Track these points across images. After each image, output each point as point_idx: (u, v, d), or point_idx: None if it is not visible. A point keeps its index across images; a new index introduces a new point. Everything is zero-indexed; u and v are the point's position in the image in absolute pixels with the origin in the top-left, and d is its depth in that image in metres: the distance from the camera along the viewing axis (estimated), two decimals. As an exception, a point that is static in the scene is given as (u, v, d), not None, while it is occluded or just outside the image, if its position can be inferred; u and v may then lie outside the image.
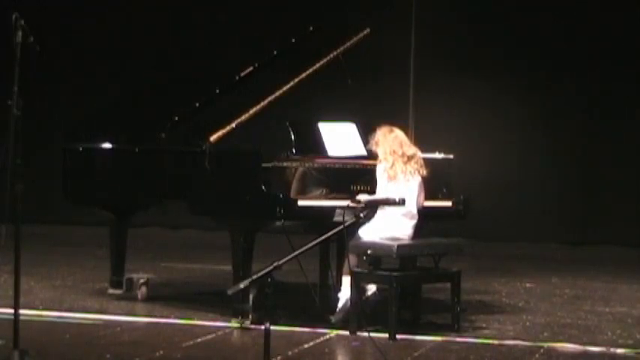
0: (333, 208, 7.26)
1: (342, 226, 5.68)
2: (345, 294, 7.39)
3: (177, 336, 7.03)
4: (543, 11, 13.33)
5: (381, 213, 7.25)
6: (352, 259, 7.26)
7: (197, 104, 8.07)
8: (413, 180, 7.41)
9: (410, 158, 7.41)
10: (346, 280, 7.39)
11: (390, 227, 7.33)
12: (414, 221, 7.43)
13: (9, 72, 5.64)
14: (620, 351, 6.78)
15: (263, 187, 7.23)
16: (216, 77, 8.46)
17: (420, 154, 7.54)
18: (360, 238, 7.31)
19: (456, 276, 7.45)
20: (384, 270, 7.29)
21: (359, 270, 7.32)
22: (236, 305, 7.36)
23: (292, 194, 7.42)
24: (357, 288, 7.25)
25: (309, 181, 7.57)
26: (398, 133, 7.51)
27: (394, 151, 7.40)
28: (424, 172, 7.46)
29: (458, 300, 7.38)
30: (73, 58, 14.34)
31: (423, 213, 7.60)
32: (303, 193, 7.50)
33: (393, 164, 7.38)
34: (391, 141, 7.44)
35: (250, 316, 7.32)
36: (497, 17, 13.44)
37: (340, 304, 7.42)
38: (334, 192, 7.54)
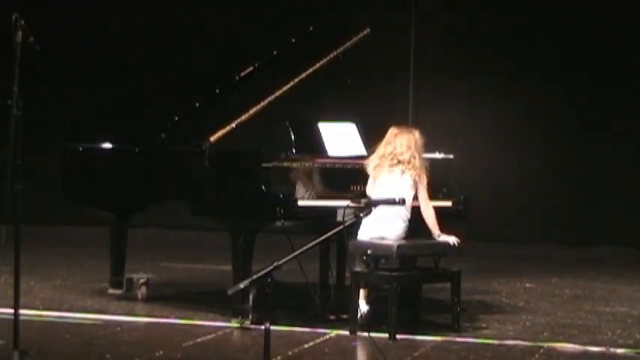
0: (332, 208, 7.26)
1: (341, 226, 5.68)
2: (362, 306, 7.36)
3: (177, 336, 7.03)
4: (544, 11, 13.33)
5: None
6: (359, 265, 7.31)
7: (197, 104, 8.08)
8: (400, 182, 7.36)
9: (400, 162, 7.35)
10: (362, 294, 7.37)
11: (377, 227, 7.30)
12: (399, 220, 7.36)
13: (9, 72, 5.64)
14: (620, 351, 6.78)
15: (263, 187, 7.23)
16: (216, 77, 8.46)
17: (422, 160, 7.46)
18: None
19: (456, 276, 7.45)
20: (384, 270, 7.29)
21: (359, 270, 7.32)
22: (236, 305, 7.36)
23: (302, 193, 7.43)
24: (358, 288, 7.26)
25: (316, 179, 7.61)
26: (407, 136, 7.43)
27: (384, 155, 7.37)
28: (417, 176, 7.37)
29: (458, 300, 7.38)
30: (72, 58, 14.34)
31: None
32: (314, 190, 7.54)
33: (377, 165, 7.38)
34: (393, 142, 7.40)
35: (250, 316, 7.33)
36: (498, 17, 13.43)
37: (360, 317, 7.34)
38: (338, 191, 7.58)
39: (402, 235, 7.35)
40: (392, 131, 7.48)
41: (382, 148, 7.42)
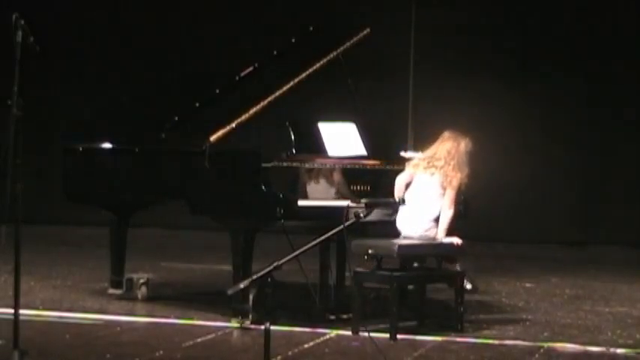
0: (333, 208, 7.26)
1: (341, 226, 5.68)
2: None
3: (177, 336, 7.02)
4: (544, 11, 13.33)
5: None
6: None
7: (197, 104, 8.08)
8: (429, 183, 7.47)
9: (434, 167, 7.50)
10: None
11: (403, 225, 7.49)
12: (425, 220, 7.43)
13: (9, 72, 5.64)
14: (620, 351, 6.78)
15: (263, 187, 7.23)
16: (216, 77, 8.46)
17: (459, 168, 7.52)
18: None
19: (459, 277, 7.44)
20: (384, 270, 7.29)
21: (360, 270, 7.32)
22: (236, 305, 7.36)
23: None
24: (358, 287, 7.26)
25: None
26: (452, 144, 7.57)
27: (424, 158, 7.57)
28: (446, 181, 7.46)
29: (461, 301, 7.38)
30: (73, 58, 14.34)
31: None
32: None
33: (416, 165, 7.59)
34: (437, 146, 7.58)
35: (250, 316, 7.33)
36: (498, 17, 13.44)
37: None
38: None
39: (427, 234, 7.42)
40: (442, 135, 7.68)
41: (428, 151, 7.63)
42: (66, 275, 9.99)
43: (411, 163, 7.67)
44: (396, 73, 12.84)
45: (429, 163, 7.54)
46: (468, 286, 7.48)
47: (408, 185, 7.62)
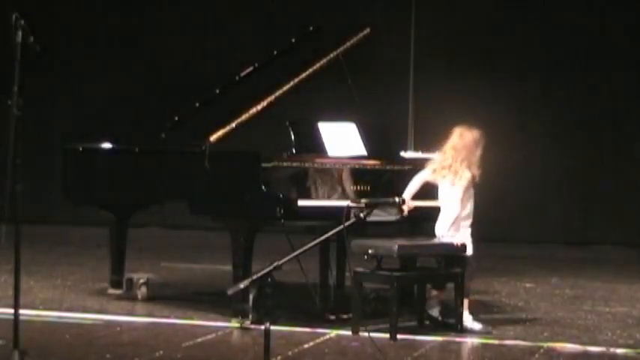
0: (333, 208, 7.26)
1: (341, 226, 5.68)
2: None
3: (177, 336, 7.02)
4: (544, 10, 13.34)
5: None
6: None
7: (197, 104, 8.08)
8: (442, 185, 7.50)
9: (443, 168, 7.52)
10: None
11: (437, 226, 7.52)
12: (449, 220, 7.47)
13: (9, 72, 5.63)
14: (620, 351, 6.78)
15: (263, 187, 7.23)
16: (216, 77, 8.46)
17: (467, 162, 7.54)
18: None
19: (460, 277, 7.45)
20: (384, 270, 7.29)
21: (360, 270, 7.32)
22: (236, 305, 7.36)
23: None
24: (358, 287, 7.26)
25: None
26: (458, 139, 7.58)
27: (438, 159, 7.58)
28: (456, 178, 7.47)
29: (461, 301, 7.38)
30: (73, 58, 14.35)
31: (422, 213, 7.62)
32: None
33: (434, 170, 7.57)
34: (446, 144, 7.57)
35: (250, 316, 7.32)
36: (497, 17, 13.44)
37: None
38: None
39: (445, 236, 7.46)
40: (453, 131, 7.67)
41: (441, 152, 7.61)
42: (66, 275, 9.98)
43: (430, 166, 7.61)
44: (396, 73, 12.86)
45: (440, 164, 7.53)
46: (477, 326, 7.35)
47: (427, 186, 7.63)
